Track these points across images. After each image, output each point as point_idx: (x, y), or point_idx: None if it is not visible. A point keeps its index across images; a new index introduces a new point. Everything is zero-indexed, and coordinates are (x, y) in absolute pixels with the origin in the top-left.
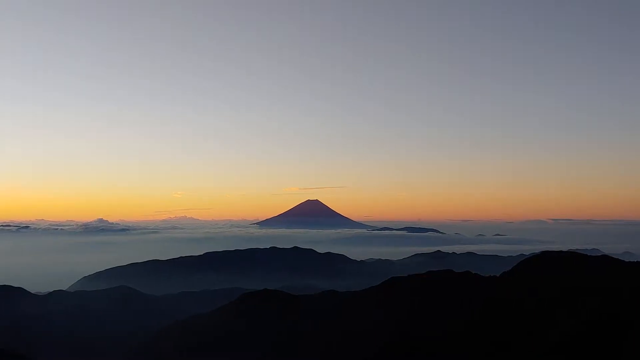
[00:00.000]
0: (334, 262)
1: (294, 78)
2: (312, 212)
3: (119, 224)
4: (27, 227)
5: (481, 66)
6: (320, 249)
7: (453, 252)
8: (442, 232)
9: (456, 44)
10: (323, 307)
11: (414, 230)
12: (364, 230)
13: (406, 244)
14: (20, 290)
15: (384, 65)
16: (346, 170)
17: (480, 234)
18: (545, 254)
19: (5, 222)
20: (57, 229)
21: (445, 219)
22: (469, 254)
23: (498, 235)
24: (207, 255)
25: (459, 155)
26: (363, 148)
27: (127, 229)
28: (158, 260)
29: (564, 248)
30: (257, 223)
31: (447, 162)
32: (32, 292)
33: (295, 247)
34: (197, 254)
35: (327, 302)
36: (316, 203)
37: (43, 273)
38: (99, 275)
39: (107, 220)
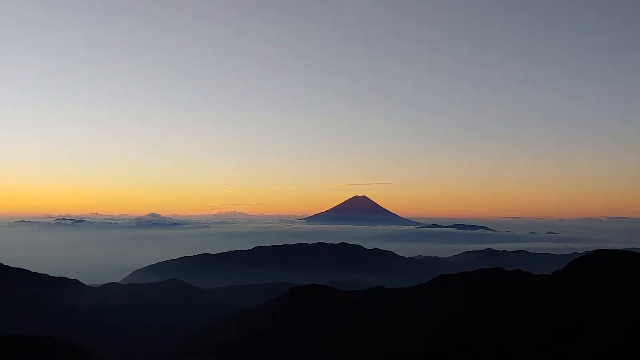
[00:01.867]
0: (381, 258)
1: (343, 73)
2: (359, 208)
3: (171, 218)
4: (82, 220)
5: (529, 62)
6: (368, 245)
7: (504, 250)
8: (492, 230)
9: (515, 35)
10: (370, 304)
11: (464, 227)
12: (412, 227)
13: (456, 241)
14: (75, 282)
15: (431, 59)
16: (394, 166)
17: (532, 232)
18: (599, 253)
19: (61, 216)
20: (111, 222)
21: (496, 215)
22: (520, 252)
23: (550, 233)
24: (256, 249)
25: (510, 150)
26: (411, 143)
27: (179, 224)
28: (208, 254)
29: (619, 247)
30: (304, 218)
31: (498, 158)
32: (87, 284)
33: (343, 243)
34: (246, 249)
35: (375, 298)
36: (364, 199)
37: (97, 266)
38: (151, 268)
39: (159, 215)
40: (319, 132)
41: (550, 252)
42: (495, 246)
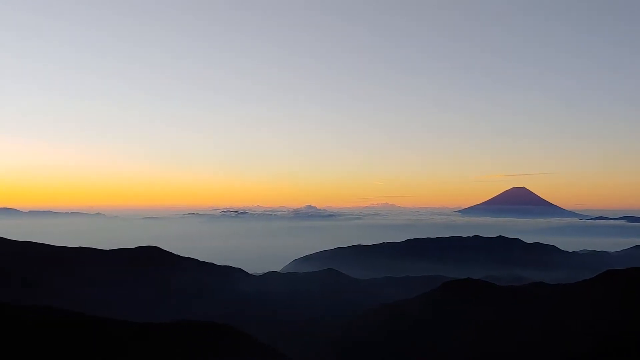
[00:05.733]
0: (543, 252)
1: (500, 61)
2: (518, 200)
3: (325, 210)
4: (244, 212)
5: None
6: (528, 239)
7: None
8: None
9: None
10: (531, 300)
11: (634, 219)
12: (577, 220)
13: (625, 234)
14: (239, 271)
15: (604, 44)
16: (556, 155)
17: None
18: None
19: (226, 208)
20: (270, 214)
21: None
22: None
23: None
24: (409, 242)
25: None
26: (574, 131)
27: (333, 215)
28: (362, 245)
29: None
30: (459, 211)
31: None
32: (250, 272)
33: (500, 237)
34: (398, 241)
35: (536, 294)
36: (523, 190)
37: (259, 255)
38: (308, 258)
39: (315, 207)
40: (472, 121)
41: None
42: None
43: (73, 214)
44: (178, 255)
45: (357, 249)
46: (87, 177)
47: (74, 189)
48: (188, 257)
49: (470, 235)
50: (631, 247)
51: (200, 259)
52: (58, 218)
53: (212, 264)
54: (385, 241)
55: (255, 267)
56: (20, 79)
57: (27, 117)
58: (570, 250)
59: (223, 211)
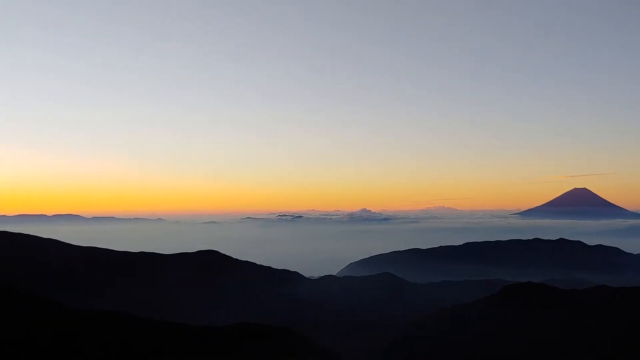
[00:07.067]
0: (605, 255)
1: (552, 63)
2: (579, 202)
3: (381, 213)
4: (300, 216)
5: None
6: (590, 241)
7: None
8: None
9: None
10: (594, 303)
11: None
12: None
13: None
14: (296, 275)
15: None
16: (618, 155)
17: None
18: None
19: (282, 212)
20: (326, 218)
21: None
22: None
23: None
24: (467, 245)
25: None
26: (636, 129)
27: (389, 219)
28: (419, 249)
29: None
30: (518, 213)
31: None
32: (306, 276)
33: (561, 239)
34: (456, 244)
35: (599, 298)
36: (584, 191)
37: (315, 258)
38: (364, 262)
39: (370, 210)
40: (530, 122)
41: None
42: None
43: (135, 219)
44: (237, 259)
45: (414, 253)
46: (149, 184)
47: (136, 196)
48: (246, 261)
49: (531, 238)
50: None
51: (257, 263)
52: (121, 224)
53: (269, 267)
54: (443, 244)
55: (311, 270)
56: (92, 89)
57: (92, 128)
58: (634, 253)
59: (279, 215)
